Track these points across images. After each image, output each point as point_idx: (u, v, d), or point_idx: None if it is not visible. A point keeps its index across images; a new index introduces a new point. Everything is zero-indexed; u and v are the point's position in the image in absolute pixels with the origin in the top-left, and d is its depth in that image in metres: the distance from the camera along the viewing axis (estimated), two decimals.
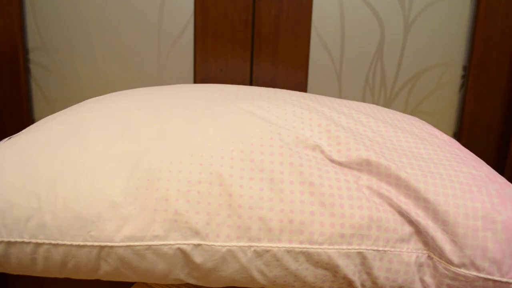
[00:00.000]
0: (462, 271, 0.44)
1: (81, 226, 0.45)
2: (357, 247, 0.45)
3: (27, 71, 1.02)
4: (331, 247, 0.45)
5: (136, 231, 0.45)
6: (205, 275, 0.47)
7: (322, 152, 0.51)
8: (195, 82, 1.00)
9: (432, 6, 0.93)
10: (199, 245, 0.45)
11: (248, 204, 0.46)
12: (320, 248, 0.45)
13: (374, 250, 0.45)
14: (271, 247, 0.45)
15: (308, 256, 0.45)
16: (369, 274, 0.46)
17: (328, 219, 0.45)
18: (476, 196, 0.46)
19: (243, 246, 0.45)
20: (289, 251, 0.45)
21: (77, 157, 0.49)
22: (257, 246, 0.45)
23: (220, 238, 0.45)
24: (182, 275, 0.47)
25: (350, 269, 0.45)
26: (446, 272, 0.45)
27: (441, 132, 0.62)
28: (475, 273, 0.44)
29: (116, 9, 0.97)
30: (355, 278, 0.46)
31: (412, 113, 0.99)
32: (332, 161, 0.51)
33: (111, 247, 0.45)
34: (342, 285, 0.46)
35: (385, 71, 0.97)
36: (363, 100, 0.99)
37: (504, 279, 0.44)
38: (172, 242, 0.45)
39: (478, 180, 0.48)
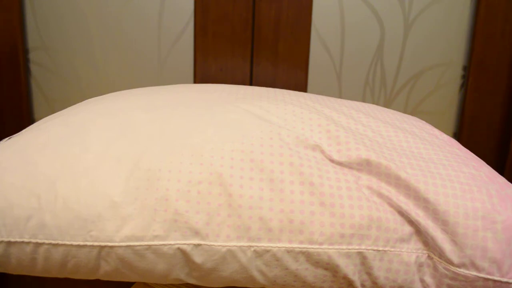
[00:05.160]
0: (462, 271, 0.44)
1: (81, 226, 0.45)
2: (357, 247, 0.45)
3: (27, 71, 1.02)
4: (331, 247, 0.45)
5: (136, 231, 0.45)
6: (205, 275, 0.47)
7: (322, 152, 0.51)
8: (195, 82, 1.00)
9: (432, 6, 0.93)
10: (199, 245, 0.45)
11: (248, 204, 0.46)
12: (320, 248, 0.45)
13: (374, 250, 0.45)
14: (271, 247, 0.45)
15: (308, 256, 0.45)
16: (369, 274, 0.46)
17: (328, 219, 0.45)
18: (476, 196, 0.46)
19: (243, 246, 0.45)
20: (289, 251, 0.45)
21: (77, 157, 0.49)
22: (257, 246, 0.45)
23: (220, 238, 0.45)
24: (182, 275, 0.47)
25: (350, 269, 0.45)
26: (446, 272, 0.45)
27: (441, 132, 0.62)
28: (475, 273, 0.44)
29: (116, 9, 0.97)
30: (355, 278, 0.46)
31: (412, 113, 0.99)
32: (332, 161, 0.51)
33: (111, 247, 0.45)
34: (342, 285, 0.46)
35: (385, 71, 0.97)
36: (363, 100, 0.99)
37: (504, 279, 0.44)
38: (172, 242, 0.45)
39: (478, 180, 0.48)
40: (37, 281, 1.08)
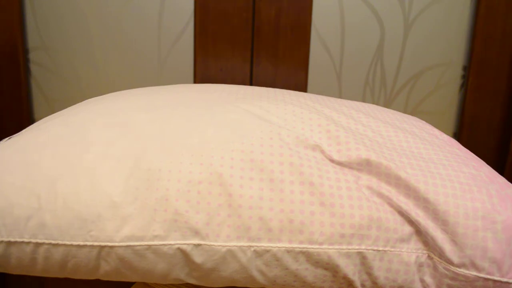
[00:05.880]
0: (462, 271, 0.44)
1: (81, 226, 0.45)
2: (357, 247, 0.45)
3: (27, 71, 1.02)
4: (331, 247, 0.45)
5: (136, 231, 0.45)
6: (205, 275, 0.47)
7: (322, 152, 0.51)
8: (195, 82, 1.00)
9: (432, 6, 0.93)
10: (199, 245, 0.45)
11: (248, 204, 0.46)
12: (320, 248, 0.45)
13: (374, 250, 0.45)
14: (271, 247, 0.45)
15: (308, 256, 0.45)
16: (369, 274, 0.46)
17: (328, 219, 0.45)
18: (476, 196, 0.46)
19: (243, 246, 0.45)
20: (289, 251, 0.45)
21: (77, 157, 0.49)
22: (257, 246, 0.45)
23: (220, 238, 0.45)
24: (182, 275, 0.47)
25: (350, 269, 0.45)
26: (446, 272, 0.45)
27: (441, 132, 0.62)
28: (475, 273, 0.44)
29: (116, 9, 0.97)
30: (355, 278, 0.46)
31: (412, 113, 0.99)
32: (332, 161, 0.51)
33: (111, 247, 0.45)
34: (342, 285, 0.46)
35: (385, 71, 0.97)
36: (363, 100, 0.99)
37: (504, 279, 0.44)
38: (172, 242, 0.45)
39: (478, 180, 0.48)
40: (37, 281, 1.08)
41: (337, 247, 0.45)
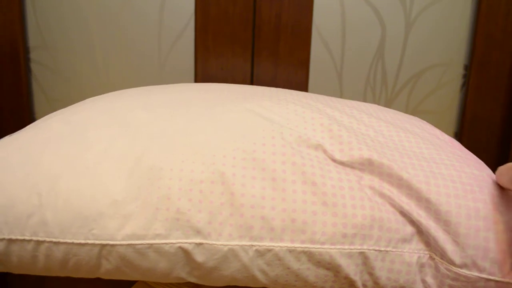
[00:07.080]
0: (464, 271, 0.44)
1: (83, 224, 0.45)
2: (359, 247, 0.45)
3: (28, 70, 1.02)
4: (333, 247, 0.45)
5: (137, 230, 0.45)
6: (207, 274, 0.47)
7: (325, 151, 0.51)
8: (195, 81, 1.00)
9: (433, 5, 0.93)
10: (200, 244, 0.45)
11: (250, 203, 0.45)
12: (322, 248, 0.45)
13: (376, 250, 0.45)
14: (273, 246, 0.45)
15: (310, 256, 0.45)
16: (370, 274, 0.46)
17: (330, 218, 0.45)
18: (478, 197, 0.46)
19: (245, 245, 0.45)
20: (291, 251, 0.45)
21: (78, 155, 0.49)
22: (259, 246, 0.45)
23: (222, 237, 0.45)
24: (183, 274, 0.47)
25: (351, 269, 0.45)
26: (447, 272, 0.45)
27: (442, 132, 0.62)
28: (476, 274, 0.44)
29: (116, 9, 0.97)
30: (357, 278, 0.46)
31: (413, 112, 0.99)
32: (335, 160, 0.51)
33: (113, 245, 0.45)
34: (344, 285, 0.46)
35: (386, 70, 0.97)
36: (364, 99, 0.99)
37: (506, 280, 0.44)
38: (173, 241, 0.45)
39: (480, 180, 0.48)
40: (38, 279, 1.08)
41: (339, 247, 0.45)
